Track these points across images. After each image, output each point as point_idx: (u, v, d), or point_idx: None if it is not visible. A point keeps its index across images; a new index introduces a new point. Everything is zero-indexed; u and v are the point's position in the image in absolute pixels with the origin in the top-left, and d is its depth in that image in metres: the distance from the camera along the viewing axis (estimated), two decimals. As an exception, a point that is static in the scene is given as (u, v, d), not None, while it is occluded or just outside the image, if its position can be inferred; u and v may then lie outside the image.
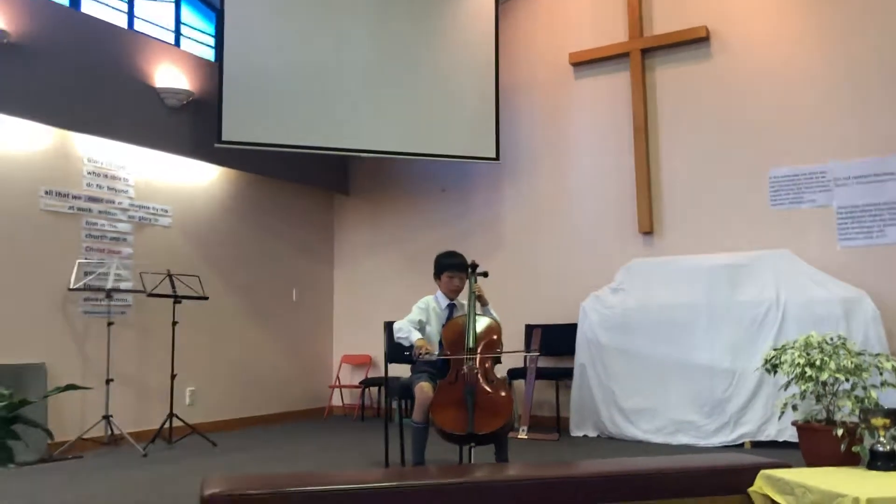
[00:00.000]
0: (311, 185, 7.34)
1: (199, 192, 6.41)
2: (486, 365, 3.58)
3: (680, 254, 5.83)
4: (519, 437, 5.44)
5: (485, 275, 4.01)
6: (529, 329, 6.22)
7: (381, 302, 7.25)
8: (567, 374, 5.84)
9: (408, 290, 6.25)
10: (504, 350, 3.74)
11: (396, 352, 4.05)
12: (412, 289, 6.00)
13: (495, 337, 3.71)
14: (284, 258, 7.18)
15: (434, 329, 3.92)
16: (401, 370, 4.34)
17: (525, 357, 5.95)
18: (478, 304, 3.83)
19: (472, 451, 3.44)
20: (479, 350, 3.61)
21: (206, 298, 5.66)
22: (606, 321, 5.66)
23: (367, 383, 6.95)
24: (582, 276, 6.24)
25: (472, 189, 6.99)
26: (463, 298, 3.98)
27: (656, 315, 5.49)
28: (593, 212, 6.37)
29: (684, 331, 5.35)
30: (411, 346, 3.72)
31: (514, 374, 5.94)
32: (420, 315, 3.90)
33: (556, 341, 6.04)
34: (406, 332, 3.78)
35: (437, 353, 3.75)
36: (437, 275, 4.00)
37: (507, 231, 6.77)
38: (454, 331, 3.73)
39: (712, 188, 5.90)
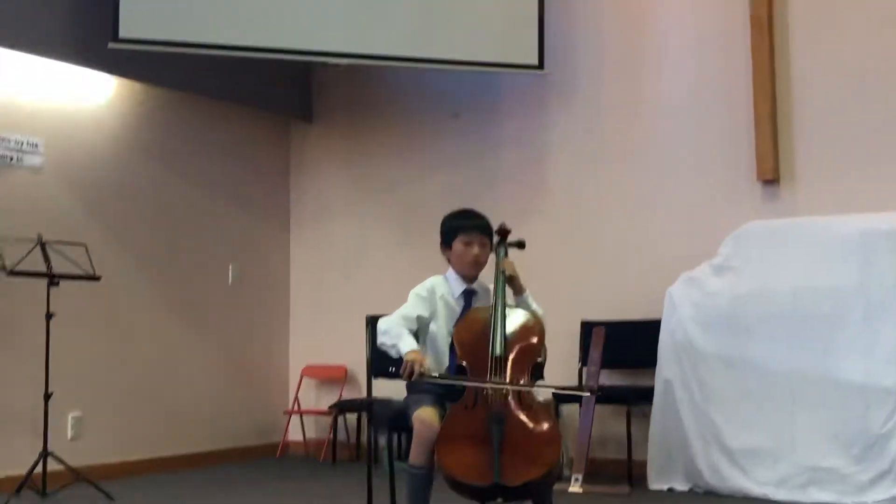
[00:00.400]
0: (257, 107, 7.31)
1: (86, 117, 6.36)
2: (522, 383, 3.63)
3: (820, 213, 5.77)
4: (570, 490, 5.48)
5: (520, 245, 4.06)
6: (588, 328, 6.22)
7: (363, 285, 7.24)
8: (645, 395, 5.83)
9: (404, 267, 6.48)
10: (546, 381, 3.78)
11: (385, 361, 4.12)
12: (410, 264, 6.13)
13: (535, 340, 3.75)
14: (216, 218, 7.16)
15: (443, 327, 3.95)
16: (392, 388, 4.38)
17: (580, 373, 6.02)
18: (509, 291, 3.86)
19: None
20: (510, 361, 3.65)
21: (98, 279, 5.59)
22: (706, 316, 5.65)
23: (341, 407, 6.99)
24: (668, 246, 6.22)
25: (500, 115, 6.97)
26: (488, 281, 3.98)
27: (782, 306, 5.45)
28: (687, 148, 6.33)
29: (826, 330, 5.32)
30: (400, 359, 3.70)
31: (565, 396, 5.76)
32: (419, 307, 3.89)
33: (627, 346, 6.08)
34: (394, 335, 3.76)
35: (442, 370, 3.80)
36: (447, 242, 4.01)
37: (555, 178, 6.76)
38: (473, 330, 3.75)
39: (873, 115, 5.80)
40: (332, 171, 7.58)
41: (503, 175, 6.87)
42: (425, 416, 3.62)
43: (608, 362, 5.93)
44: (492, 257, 3.96)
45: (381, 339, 3.80)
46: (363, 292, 7.04)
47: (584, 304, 6.33)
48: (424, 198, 6.99)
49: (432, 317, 3.91)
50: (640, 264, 6.28)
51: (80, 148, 6.30)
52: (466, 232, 3.92)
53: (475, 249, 3.90)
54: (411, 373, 3.58)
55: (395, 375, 3.88)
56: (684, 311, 5.66)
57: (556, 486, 5.05)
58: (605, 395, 5.83)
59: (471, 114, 7.04)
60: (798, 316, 5.36)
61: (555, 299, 5.78)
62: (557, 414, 5.85)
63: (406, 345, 3.68)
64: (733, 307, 5.54)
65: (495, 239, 3.97)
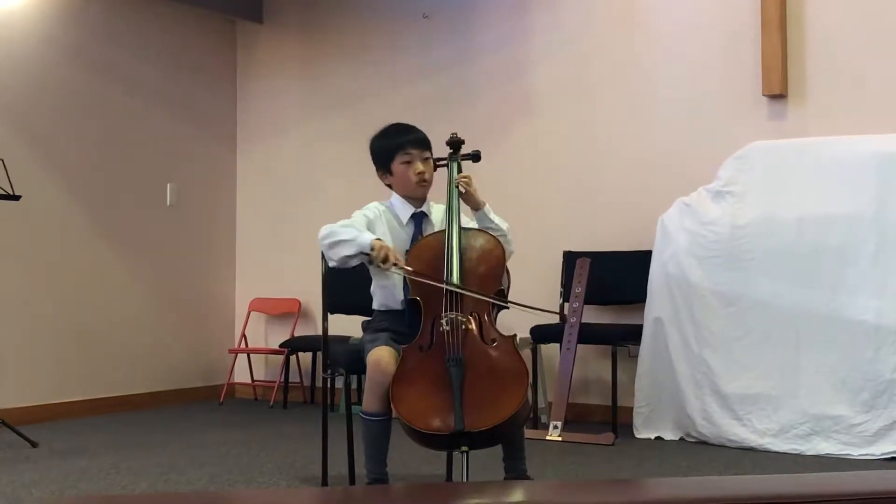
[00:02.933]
0: (199, 4, 7.26)
1: (5, 15, 6.32)
2: (483, 314, 3.68)
3: (833, 133, 5.74)
4: (549, 438, 5.57)
5: (475, 158, 4.09)
6: (570, 259, 6.22)
7: (319, 208, 7.08)
8: (632, 334, 5.90)
9: (365, 190, 7.01)
10: (516, 301, 3.81)
11: (343, 294, 4.23)
12: (372, 186, 6.76)
13: (496, 265, 3.81)
14: (153, 132, 7.14)
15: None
16: (349, 325, 4.47)
17: (561, 309, 6.05)
18: (466, 210, 3.92)
19: (467, 458, 3.46)
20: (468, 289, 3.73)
21: (17, 198, 5.54)
22: (702, 247, 5.69)
23: (292, 346, 7.07)
24: (661, 169, 6.24)
25: (477, 17, 6.96)
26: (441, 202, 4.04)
27: (787, 237, 5.50)
28: (684, 58, 6.31)
29: (835, 264, 5.35)
30: (356, 258, 3.73)
31: (542, 333, 6.00)
32: (364, 224, 3.95)
33: (614, 280, 6.13)
34: (346, 232, 3.77)
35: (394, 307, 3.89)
36: (384, 167, 4.04)
37: (538, 90, 6.74)
38: (424, 259, 3.82)
39: (896, 21, 5.75)
40: (284, 79, 7.54)
41: (479, 87, 6.85)
42: (379, 358, 3.65)
43: (593, 298, 5.97)
44: (444, 174, 3.96)
45: (331, 239, 3.77)
46: (319, 217, 6.76)
47: (567, 233, 6.37)
48: (389, 112, 6.62)
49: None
50: (630, 188, 6.30)
51: (-1, 51, 6.28)
52: (403, 149, 3.92)
53: (419, 166, 3.91)
54: (385, 258, 3.61)
55: (359, 310, 4.03)
56: (678, 242, 5.71)
57: (534, 434, 5.43)
58: (589, 333, 5.87)
59: (443, 15, 6.98)
60: (805, 248, 5.39)
61: (535, 227, 5.99)
62: (535, 354, 5.99)
63: (368, 235, 3.69)
64: (733, 238, 5.57)
65: (447, 152, 3.97)
